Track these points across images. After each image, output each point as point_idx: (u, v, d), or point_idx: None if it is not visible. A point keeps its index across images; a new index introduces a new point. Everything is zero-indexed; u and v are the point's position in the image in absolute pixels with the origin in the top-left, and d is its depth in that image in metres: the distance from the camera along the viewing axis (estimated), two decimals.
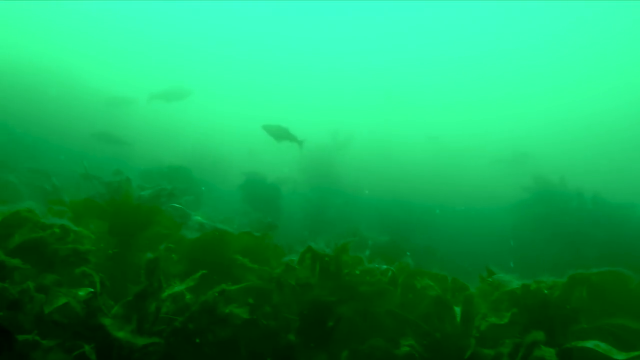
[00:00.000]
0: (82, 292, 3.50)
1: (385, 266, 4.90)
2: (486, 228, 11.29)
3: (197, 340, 3.81)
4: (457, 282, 4.98)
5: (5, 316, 3.24)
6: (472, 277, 5.33)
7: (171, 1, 37.20)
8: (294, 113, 34.57)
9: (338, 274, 4.59)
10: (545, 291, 3.96)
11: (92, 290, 3.46)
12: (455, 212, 13.27)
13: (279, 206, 12.87)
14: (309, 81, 41.12)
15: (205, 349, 4.01)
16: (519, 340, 3.86)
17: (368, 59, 39.06)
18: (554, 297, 4.23)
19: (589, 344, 3.71)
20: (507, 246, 9.08)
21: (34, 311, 3.36)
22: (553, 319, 4.04)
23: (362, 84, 37.31)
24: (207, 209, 9.65)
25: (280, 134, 10.95)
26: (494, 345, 4.08)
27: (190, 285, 3.77)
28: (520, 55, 37.68)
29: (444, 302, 4.18)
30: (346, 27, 37.80)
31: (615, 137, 29.03)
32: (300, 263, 4.70)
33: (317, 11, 37.27)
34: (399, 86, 36.43)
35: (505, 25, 36.06)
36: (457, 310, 4.23)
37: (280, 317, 4.74)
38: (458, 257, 9.00)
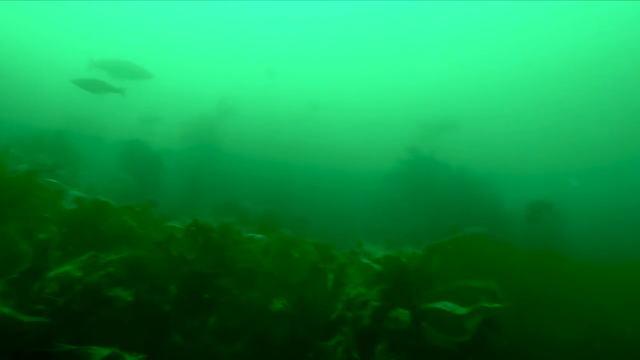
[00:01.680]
0: None
1: (259, 235, 5.20)
2: (362, 193, 12.18)
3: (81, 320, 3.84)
4: (327, 251, 5.46)
5: None
6: (349, 244, 5.83)
7: None
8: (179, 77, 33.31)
9: (220, 249, 4.83)
10: (403, 259, 4.52)
11: None
12: (333, 176, 13.96)
13: (158, 175, 12.65)
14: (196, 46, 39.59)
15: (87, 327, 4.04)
16: (379, 304, 4.41)
17: (255, 26, 38.41)
18: (413, 265, 4.83)
19: (439, 304, 4.35)
20: (380, 213, 9.83)
21: None
22: (410, 285, 4.63)
23: (249, 51, 36.95)
24: (87, 178, 9.27)
25: (96, 87, 10.60)
26: (359, 308, 4.59)
27: (77, 266, 3.78)
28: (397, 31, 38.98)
29: (318, 269, 4.60)
30: None
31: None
32: (185, 235, 4.85)
33: None
34: (283, 54, 36.64)
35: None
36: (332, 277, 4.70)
37: (159, 289, 4.88)
38: (335, 222, 9.67)
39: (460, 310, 4.24)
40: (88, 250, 4.16)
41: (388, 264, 4.61)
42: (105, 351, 3.14)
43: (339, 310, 4.24)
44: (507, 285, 6.59)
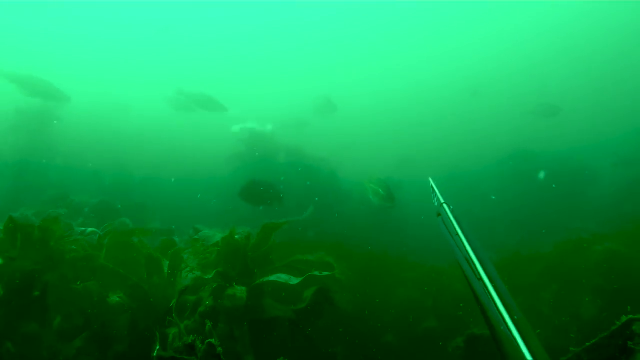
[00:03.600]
0: None
1: (90, 229, 5.13)
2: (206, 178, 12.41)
3: None
4: (168, 240, 5.55)
5: None
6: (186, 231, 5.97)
7: None
8: None
9: (44, 244, 4.66)
10: (237, 237, 4.80)
11: None
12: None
13: None
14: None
15: None
16: (216, 285, 4.65)
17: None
18: (251, 244, 5.14)
19: (273, 277, 4.71)
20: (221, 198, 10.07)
21: None
22: (248, 262, 4.94)
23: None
24: None
25: None
26: (196, 291, 4.79)
27: None
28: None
29: (153, 258, 4.67)
30: None
31: None
32: (4, 233, 4.60)
33: None
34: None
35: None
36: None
37: None
38: (174, 213, 9.73)
39: (294, 281, 4.64)
40: None
41: (224, 245, 4.85)
42: None
43: (176, 296, 4.38)
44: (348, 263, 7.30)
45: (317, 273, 4.74)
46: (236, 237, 4.74)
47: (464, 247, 1.99)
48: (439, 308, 6.80)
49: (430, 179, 2.51)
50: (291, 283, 4.61)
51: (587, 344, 2.11)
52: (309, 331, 4.90)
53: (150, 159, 15.77)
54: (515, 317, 1.64)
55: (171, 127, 21.16)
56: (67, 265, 4.68)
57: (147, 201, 10.72)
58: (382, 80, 37.41)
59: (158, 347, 2.87)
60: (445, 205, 2.27)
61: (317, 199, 8.93)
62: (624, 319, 2.14)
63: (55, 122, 14.43)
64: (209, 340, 2.72)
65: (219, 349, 2.72)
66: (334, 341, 5.54)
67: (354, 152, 19.61)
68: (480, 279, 1.85)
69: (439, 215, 2.30)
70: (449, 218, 2.16)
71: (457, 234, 2.06)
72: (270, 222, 5.36)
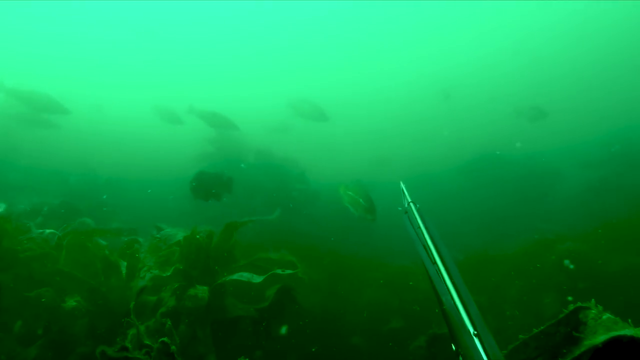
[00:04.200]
0: None
1: (49, 230, 5.00)
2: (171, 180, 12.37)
3: None
4: (131, 240, 5.45)
5: None
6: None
7: None
8: None
9: None
10: (197, 236, 4.75)
11: None
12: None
13: None
14: None
15: None
16: (177, 284, 4.59)
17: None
18: (213, 243, 5.09)
19: (235, 276, 4.68)
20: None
21: None
22: (209, 262, 4.89)
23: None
24: None
25: None
26: (158, 292, 4.71)
27: None
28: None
29: (109, 260, 4.58)
30: None
31: None
32: None
33: None
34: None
35: None
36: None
37: None
38: (140, 213, 9.62)
39: (257, 279, 4.61)
40: None
41: (186, 244, 4.79)
42: None
43: (134, 297, 4.30)
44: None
45: (279, 271, 4.73)
46: (197, 236, 4.68)
47: (424, 237, 2.14)
48: (405, 308, 6.86)
49: (401, 182, 2.71)
50: (254, 281, 4.59)
51: (535, 330, 2.15)
52: (271, 331, 4.89)
53: (119, 159, 15.57)
54: (461, 291, 1.78)
55: (142, 128, 20.94)
56: (21, 265, 4.56)
57: (113, 201, 10.57)
58: (356, 83, 37.69)
59: (102, 348, 2.80)
60: (412, 204, 2.47)
61: (286, 200, 8.93)
62: (571, 307, 2.20)
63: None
64: (162, 339, 2.68)
65: (173, 347, 2.69)
66: (301, 341, 5.53)
67: (325, 153, 19.68)
68: (435, 262, 1.99)
69: (405, 212, 2.48)
70: (414, 214, 2.35)
71: (420, 227, 2.24)
72: (233, 220, 5.33)
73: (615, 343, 1.99)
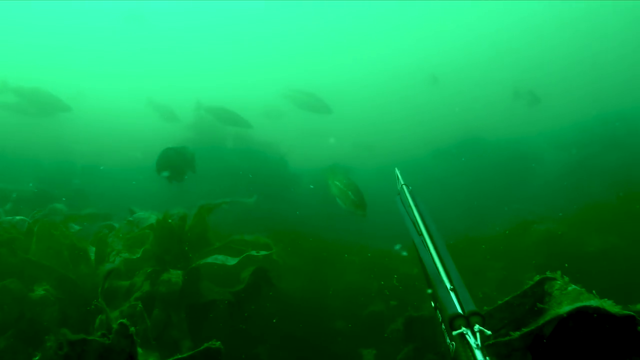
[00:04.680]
0: None
1: (19, 217, 4.89)
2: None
3: None
4: (105, 226, 5.37)
5: None
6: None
7: None
8: None
9: None
10: (170, 220, 4.67)
11: None
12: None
13: None
14: None
15: None
16: (150, 269, 4.52)
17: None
18: (187, 226, 5.01)
19: (209, 259, 4.61)
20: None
21: None
22: (183, 246, 4.82)
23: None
24: None
25: None
26: (132, 277, 4.64)
27: None
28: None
29: (76, 246, 4.49)
30: None
31: None
32: None
33: None
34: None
35: None
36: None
37: None
38: (115, 200, 9.51)
39: (232, 262, 4.55)
40: None
41: (159, 228, 4.71)
42: None
43: (101, 282, 4.22)
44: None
45: (254, 252, 4.68)
46: (169, 220, 4.60)
47: (415, 217, 2.29)
48: (385, 291, 6.86)
49: (396, 169, 2.95)
50: (228, 264, 4.53)
51: (499, 302, 2.13)
52: (246, 314, 4.85)
53: (97, 147, 15.33)
54: (442, 254, 1.95)
55: (125, 118, 20.67)
56: None
57: (89, 188, 10.43)
58: (344, 69, 37.57)
59: (64, 331, 2.74)
60: (404, 187, 2.67)
61: (265, 185, 8.85)
62: (536, 278, 2.18)
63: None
64: (121, 320, 2.62)
65: (132, 328, 2.63)
66: (279, 324, 5.49)
67: (309, 138, 19.57)
68: (421, 234, 2.14)
69: (398, 194, 2.73)
70: (406, 196, 2.54)
71: (410, 206, 2.42)
72: (206, 202, 5.26)
73: (581, 314, 1.98)
